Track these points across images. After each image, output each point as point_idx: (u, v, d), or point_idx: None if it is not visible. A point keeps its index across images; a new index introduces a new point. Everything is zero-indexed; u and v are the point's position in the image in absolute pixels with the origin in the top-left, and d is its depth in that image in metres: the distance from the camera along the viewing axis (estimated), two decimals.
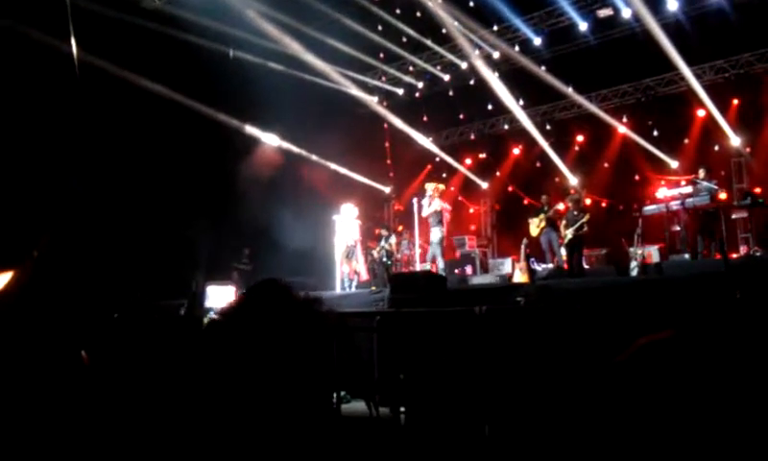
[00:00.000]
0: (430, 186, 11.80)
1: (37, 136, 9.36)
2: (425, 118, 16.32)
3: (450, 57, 14.67)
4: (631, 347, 0.95)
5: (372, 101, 15.91)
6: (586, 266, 11.21)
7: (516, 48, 13.83)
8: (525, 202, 15.22)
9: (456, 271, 13.50)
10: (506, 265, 13.21)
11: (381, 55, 14.85)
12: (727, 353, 0.89)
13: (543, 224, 11.84)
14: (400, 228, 15.22)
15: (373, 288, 10.32)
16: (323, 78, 13.46)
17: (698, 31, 11.97)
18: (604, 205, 14.36)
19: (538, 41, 13.66)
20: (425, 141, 16.43)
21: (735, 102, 13.30)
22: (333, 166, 14.54)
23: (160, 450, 1.29)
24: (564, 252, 11.27)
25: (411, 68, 15.49)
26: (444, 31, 13.58)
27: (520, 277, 11.67)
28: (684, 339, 0.92)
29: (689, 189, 10.70)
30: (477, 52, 14.05)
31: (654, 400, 0.88)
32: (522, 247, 12.07)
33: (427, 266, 11.72)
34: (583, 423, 0.96)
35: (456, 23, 13.15)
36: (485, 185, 17.19)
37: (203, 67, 11.26)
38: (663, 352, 0.92)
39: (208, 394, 1.14)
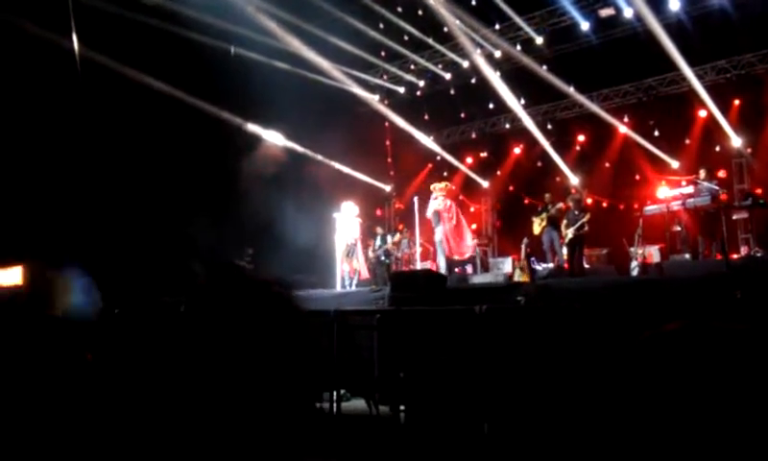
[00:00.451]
0: (436, 186, 11.72)
1: (39, 133, 9.37)
2: (426, 117, 16.28)
3: (452, 55, 14.66)
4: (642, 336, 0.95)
5: (374, 99, 15.90)
6: (586, 266, 11.21)
7: (518, 47, 13.83)
8: (526, 202, 15.21)
9: (456, 270, 13.49)
10: (506, 264, 13.20)
11: (383, 53, 14.85)
12: (731, 348, 0.90)
13: (545, 223, 11.84)
14: (401, 226, 15.21)
15: (374, 286, 10.32)
16: (324, 76, 13.45)
17: (700, 31, 11.96)
18: (605, 204, 14.36)
19: (539, 41, 13.65)
20: (426, 140, 16.40)
21: (737, 102, 13.28)
22: (334, 164, 14.54)
23: (160, 445, 1.29)
24: (564, 251, 11.28)
25: (412, 67, 15.49)
26: (445, 29, 13.58)
27: (521, 276, 11.67)
28: (693, 331, 0.92)
29: (690, 189, 10.70)
30: (479, 51, 14.02)
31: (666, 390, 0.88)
32: (523, 246, 12.07)
33: (430, 265, 11.72)
34: (589, 416, 0.96)
35: (458, 22, 13.14)
36: (486, 184, 17.19)
37: (204, 64, 11.27)
38: (674, 342, 0.92)
39: (184, 378, 1.14)
